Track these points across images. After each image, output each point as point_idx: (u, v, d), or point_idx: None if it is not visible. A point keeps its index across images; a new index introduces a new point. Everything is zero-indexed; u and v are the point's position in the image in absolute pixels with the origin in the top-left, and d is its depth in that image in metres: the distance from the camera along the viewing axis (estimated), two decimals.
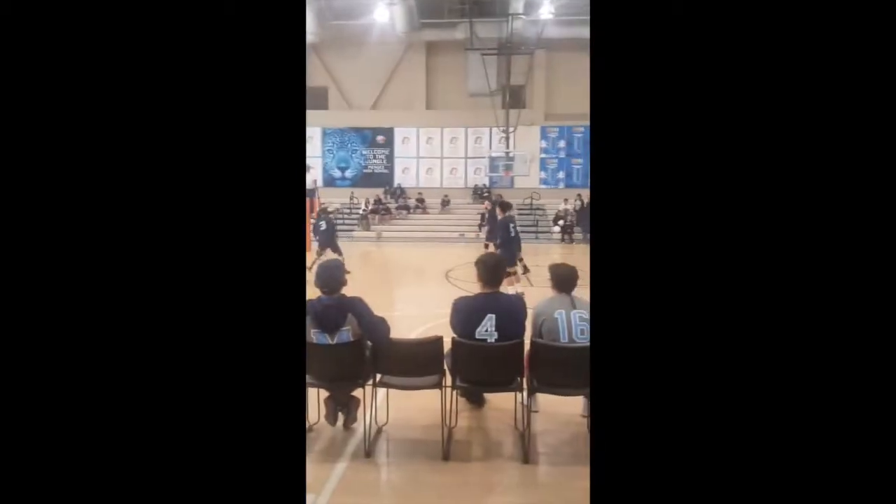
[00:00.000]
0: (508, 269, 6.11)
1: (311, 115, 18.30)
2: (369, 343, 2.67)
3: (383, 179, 18.02)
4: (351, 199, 16.85)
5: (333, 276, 2.67)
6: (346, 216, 15.77)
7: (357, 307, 2.63)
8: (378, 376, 2.73)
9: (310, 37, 16.66)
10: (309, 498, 2.22)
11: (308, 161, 16.98)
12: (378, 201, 16.81)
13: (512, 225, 6.73)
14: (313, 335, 2.60)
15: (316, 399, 2.88)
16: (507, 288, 5.75)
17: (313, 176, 13.29)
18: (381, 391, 2.82)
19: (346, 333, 2.60)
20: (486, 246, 9.21)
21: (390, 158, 18.08)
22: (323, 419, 2.84)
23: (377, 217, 16.20)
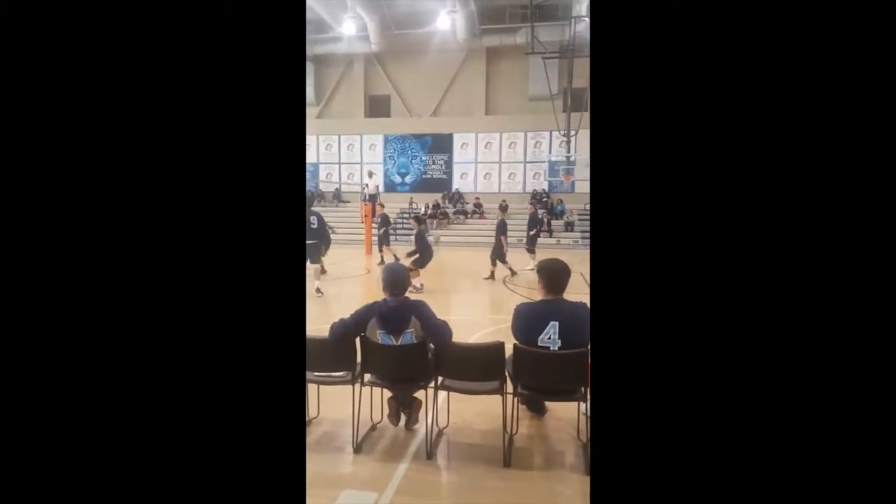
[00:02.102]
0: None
1: (373, 122, 18.85)
2: (432, 346, 2.71)
3: (442, 184, 18.21)
4: (410, 204, 17.14)
5: (400, 279, 2.74)
6: (405, 221, 16.06)
7: (421, 310, 2.68)
8: (440, 379, 2.76)
9: (373, 46, 17.17)
10: (372, 496, 2.28)
11: (371, 167, 17.49)
12: (436, 206, 17.00)
13: (428, 235, 7.92)
14: (378, 336, 2.67)
15: (380, 399, 2.95)
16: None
17: (375, 182, 13.64)
18: (442, 394, 2.85)
19: (410, 335, 2.66)
20: (530, 251, 9.51)
21: (449, 164, 18.26)
22: (386, 419, 2.91)
23: (435, 222, 16.38)
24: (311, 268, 7.13)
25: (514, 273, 9.04)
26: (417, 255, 7.58)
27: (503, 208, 10.69)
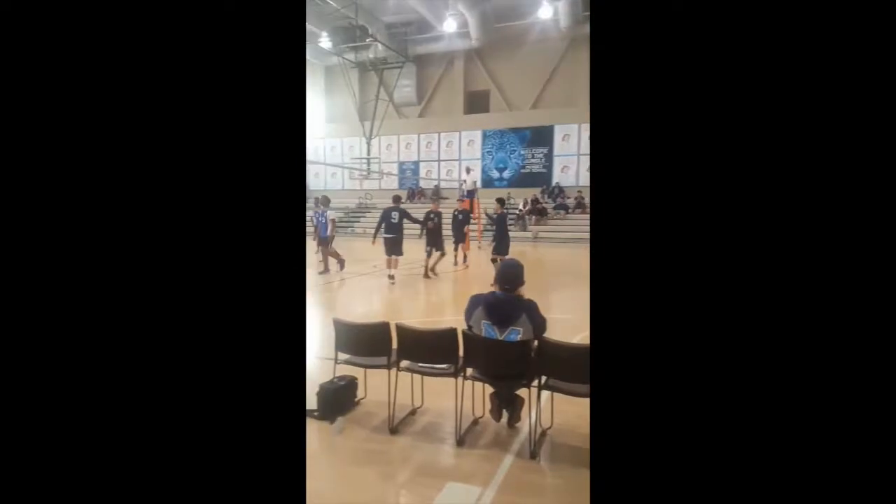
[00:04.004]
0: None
1: (471, 118, 18.97)
2: (535, 344, 2.67)
3: (541, 179, 17.86)
4: (508, 199, 17.04)
5: (516, 275, 2.76)
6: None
7: (531, 308, 2.67)
8: (543, 378, 2.71)
9: (473, 42, 17.25)
10: (475, 491, 2.30)
11: (468, 163, 17.64)
12: (535, 201, 16.71)
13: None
14: (483, 327, 2.69)
15: (482, 393, 2.98)
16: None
17: (473, 177, 13.73)
18: (546, 394, 2.80)
19: (516, 333, 2.64)
20: None
21: (549, 157, 17.85)
22: (488, 414, 2.92)
23: (533, 217, 16.11)
24: (394, 260, 7.79)
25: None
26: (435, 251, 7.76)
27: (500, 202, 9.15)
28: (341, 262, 9.09)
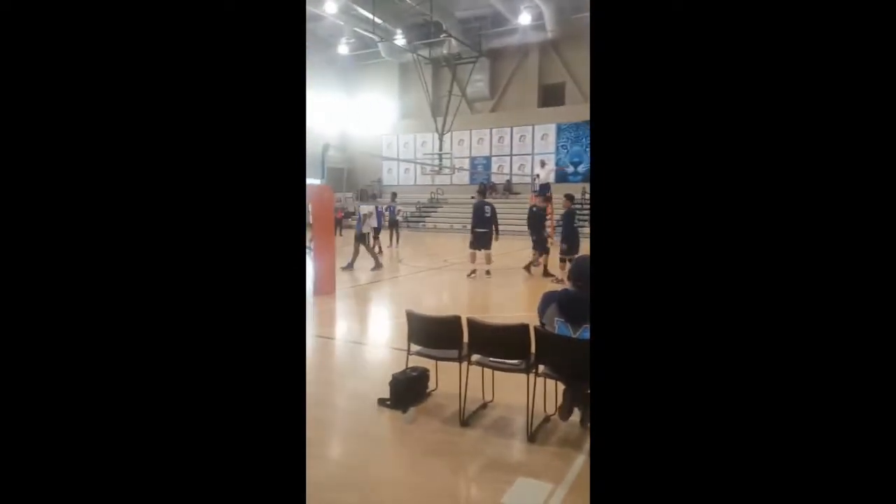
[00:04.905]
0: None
1: (545, 111, 18.60)
2: None
3: None
4: (583, 194, 16.57)
5: (589, 272, 2.67)
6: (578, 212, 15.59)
7: None
8: None
9: (548, 34, 16.87)
10: (546, 487, 2.27)
11: (542, 157, 17.33)
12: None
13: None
14: (556, 324, 2.64)
15: (554, 391, 2.92)
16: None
17: (548, 171, 13.43)
18: None
19: (590, 331, 2.56)
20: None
21: None
22: (559, 412, 2.87)
23: None
24: (482, 254, 7.68)
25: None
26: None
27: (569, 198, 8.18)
28: (377, 260, 8.97)
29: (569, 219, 7.68)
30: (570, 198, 7.81)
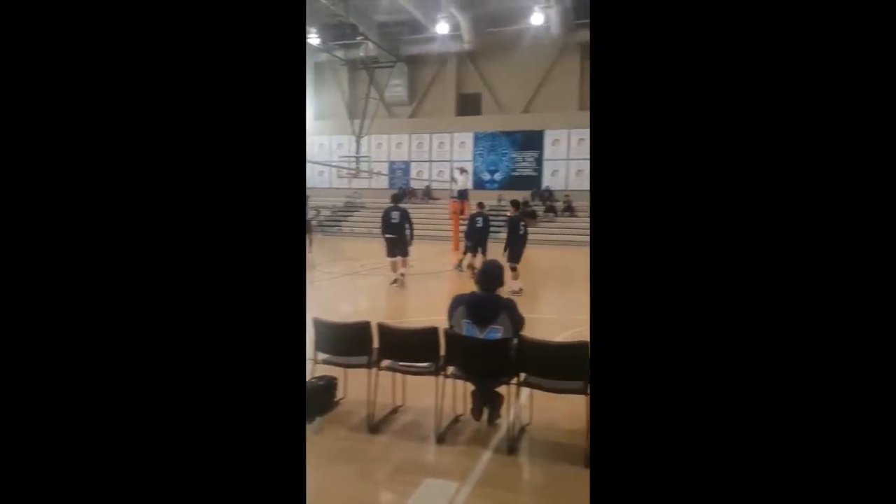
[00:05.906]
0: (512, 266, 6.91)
1: (464, 120, 19.00)
2: (515, 342, 2.70)
3: (531, 182, 17.95)
4: (499, 201, 17.10)
5: (496, 277, 2.83)
6: (492, 218, 16.03)
7: (511, 307, 2.72)
8: (522, 375, 2.74)
9: (465, 45, 17.29)
10: (453, 486, 2.31)
11: (462, 164, 17.69)
12: (525, 204, 16.77)
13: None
14: (463, 326, 2.72)
15: (462, 391, 2.99)
16: (512, 283, 6.45)
17: (466, 178, 13.73)
18: (526, 391, 2.82)
19: (497, 332, 2.67)
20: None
21: (539, 161, 17.94)
22: (468, 411, 2.94)
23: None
24: (401, 260, 7.57)
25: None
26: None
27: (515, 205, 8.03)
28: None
29: (514, 225, 7.31)
30: (515, 204, 7.66)
